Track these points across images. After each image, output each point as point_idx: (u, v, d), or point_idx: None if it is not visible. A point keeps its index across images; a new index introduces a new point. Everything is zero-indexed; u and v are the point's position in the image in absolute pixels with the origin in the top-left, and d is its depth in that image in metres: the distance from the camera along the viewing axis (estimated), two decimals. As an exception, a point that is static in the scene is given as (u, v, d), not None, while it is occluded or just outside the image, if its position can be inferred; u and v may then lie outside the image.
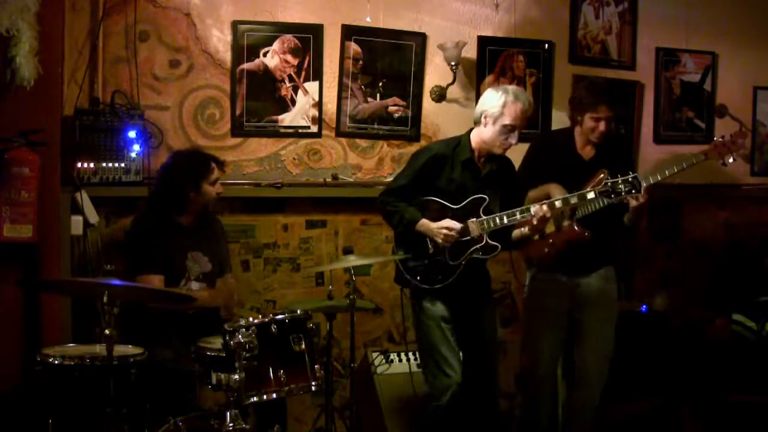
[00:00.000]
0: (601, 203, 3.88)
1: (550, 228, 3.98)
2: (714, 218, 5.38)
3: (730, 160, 4.02)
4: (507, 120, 3.69)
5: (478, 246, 3.75)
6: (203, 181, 3.93)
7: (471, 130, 3.84)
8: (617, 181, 3.68)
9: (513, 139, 3.73)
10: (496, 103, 3.71)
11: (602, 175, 3.81)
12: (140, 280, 3.74)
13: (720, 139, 4.04)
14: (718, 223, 5.39)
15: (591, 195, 3.74)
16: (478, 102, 3.84)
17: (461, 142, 3.84)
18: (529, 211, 3.71)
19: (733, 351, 4.70)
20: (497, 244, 3.76)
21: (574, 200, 3.76)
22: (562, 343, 4.16)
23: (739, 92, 5.40)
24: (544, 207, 3.70)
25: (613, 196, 3.71)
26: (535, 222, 3.70)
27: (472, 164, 3.81)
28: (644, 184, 3.74)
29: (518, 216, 3.72)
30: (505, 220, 3.73)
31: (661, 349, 4.62)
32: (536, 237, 3.98)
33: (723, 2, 5.34)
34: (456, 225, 3.72)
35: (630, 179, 3.68)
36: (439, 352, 3.74)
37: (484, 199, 3.76)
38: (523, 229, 3.85)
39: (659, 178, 3.86)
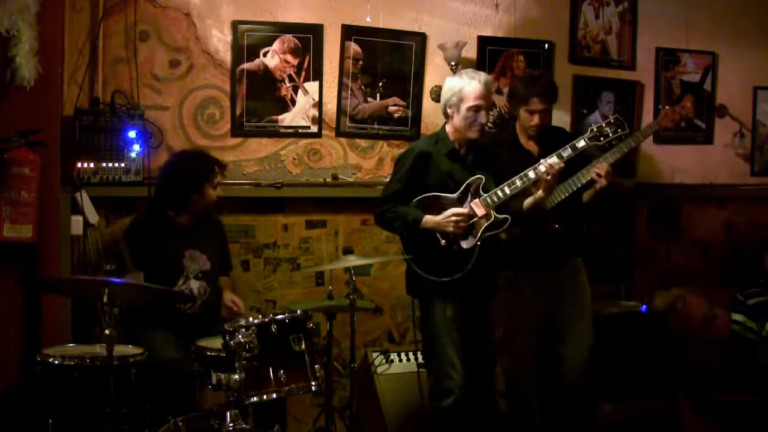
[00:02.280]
0: (566, 192, 3.90)
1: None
2: (714, 218, 5.38)
3: (683, 124, 4.25)
4: (470, 102, 3.72)
5: (487, 224, 3.74)
6: (207, 184, 3.94)
7: (445, 124, 3.87)
8: (602, 125, 3.81)
9: (482, 118, 3.75)
10: (454, 91, 3.75)
11: None
12: None
13: (668, 107, 4.24)
14: (718, 223, 5.38)
15: (581, 143, 3.80)
16: (441, 96, 3.87)
17: (440, 136, 3.87)
18: (528, 176, 3.72)
19: (733, 351, 4.69)
20: (506, 216, 3.75)
21: (566, 153, 3.78)
22: (541, 341, 4.15)
23: (739, 92, 5.39)
24: (553, 159, 3.70)
25: (602, 139, 3.81)
26: (549, 178, 3.69)
27: (456, 154, 3.82)
28: (605, 164, 3.85)
29: (518, 183, 3.73)
30: (507, 191, 3.73)
31: (661, 349, 4.61)
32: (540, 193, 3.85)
33: (723, 2, 5.34)
34: (463, 210, 3.71)
35: (612, 120, 3.83)
36: (447, 356, 3.71)
37: (480, 178, 3.77)
38: (537, 193, 3.77)
39: (618, 156, 3.93)
